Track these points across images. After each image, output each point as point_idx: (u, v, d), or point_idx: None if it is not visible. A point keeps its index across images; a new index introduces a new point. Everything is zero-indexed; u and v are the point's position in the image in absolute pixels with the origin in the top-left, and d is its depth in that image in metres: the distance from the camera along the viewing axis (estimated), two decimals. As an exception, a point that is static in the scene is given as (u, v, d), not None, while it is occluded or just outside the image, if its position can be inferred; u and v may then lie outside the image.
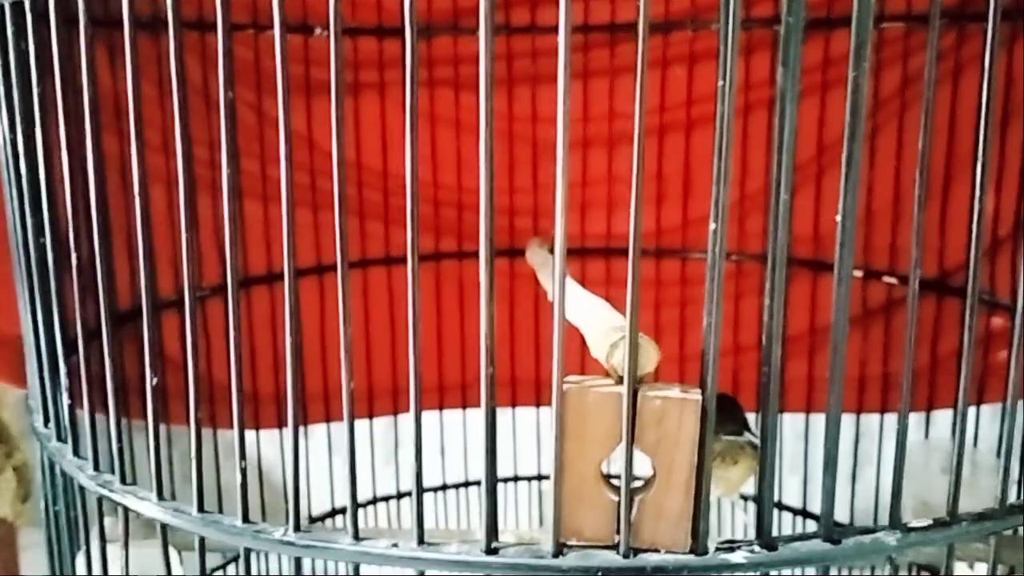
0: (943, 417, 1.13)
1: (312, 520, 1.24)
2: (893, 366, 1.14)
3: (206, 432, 0.63)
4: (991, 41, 0.44)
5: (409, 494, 0.46)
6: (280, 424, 1.12)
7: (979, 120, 0.44)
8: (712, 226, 0.42)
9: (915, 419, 1.17)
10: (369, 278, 1.17)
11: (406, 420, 1.18)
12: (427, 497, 1.25)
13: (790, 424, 1.25)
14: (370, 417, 1.22)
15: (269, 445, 1.14)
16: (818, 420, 1.21)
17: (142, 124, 0.48)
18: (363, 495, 1.26)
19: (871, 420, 1.19)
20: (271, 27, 0.43)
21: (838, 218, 0.43)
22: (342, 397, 0.46)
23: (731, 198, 1.12)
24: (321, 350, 1.04)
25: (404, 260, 0.43)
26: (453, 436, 1.26)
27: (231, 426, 0.50)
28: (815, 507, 1.23)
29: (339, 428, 1.14)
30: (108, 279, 0.52)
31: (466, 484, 1.28)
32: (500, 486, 1.30)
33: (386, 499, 1.29)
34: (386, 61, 1.12)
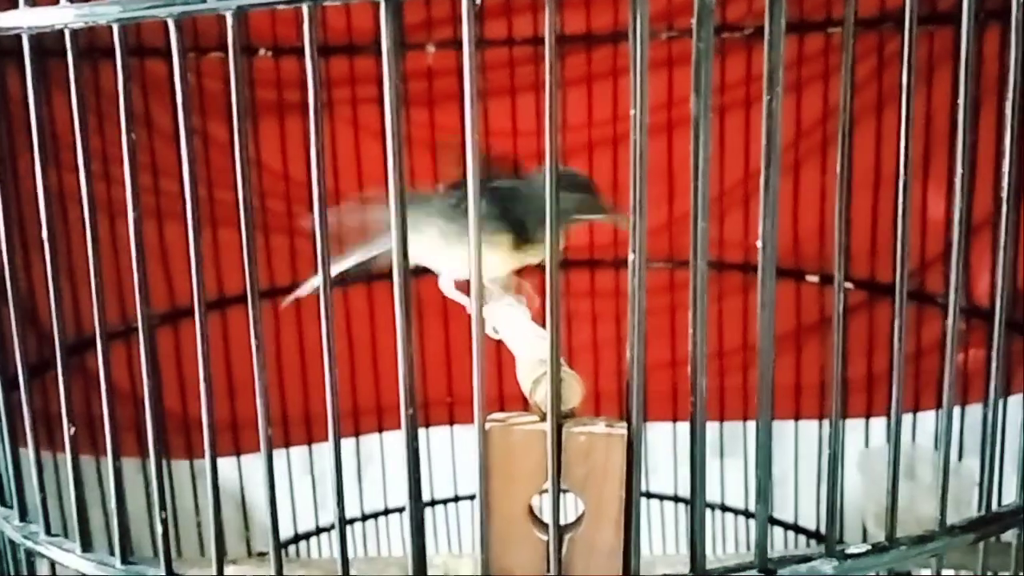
0: (904, 421, 1.12)
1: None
2: (853, 371, 1.14)
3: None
4: (908, 46, 0.43)
5: (330, 529, 0.45)
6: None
7: (903, 128, 0.43)
8: (631, 256, 0.41)
9: (876, 424, 1.17)
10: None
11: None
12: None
13: (753, 431, 1.24)
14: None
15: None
16: (782, 426, 1.21)
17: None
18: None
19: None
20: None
21: (759, 244, 0.42)
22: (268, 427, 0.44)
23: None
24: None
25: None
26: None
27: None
28: (783, 514, 1.23)
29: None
30: (22, 326, 0.50)
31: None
32: (453, 506, 1.28)
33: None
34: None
